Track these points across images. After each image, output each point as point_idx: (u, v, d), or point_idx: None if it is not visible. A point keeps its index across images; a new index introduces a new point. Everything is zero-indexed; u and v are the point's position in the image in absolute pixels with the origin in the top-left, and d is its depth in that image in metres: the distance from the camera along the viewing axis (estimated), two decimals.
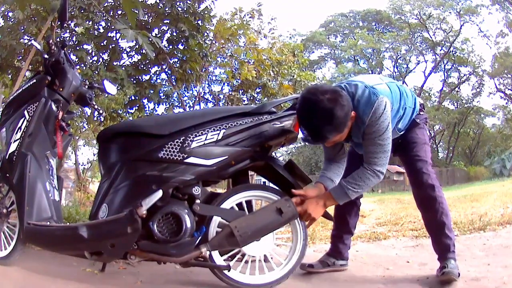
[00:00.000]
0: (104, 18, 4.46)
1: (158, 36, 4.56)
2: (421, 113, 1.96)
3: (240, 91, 7.61)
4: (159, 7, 4.64)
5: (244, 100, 7.55)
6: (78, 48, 4.29)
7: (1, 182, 1.96)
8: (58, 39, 1.97)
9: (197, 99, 7.82)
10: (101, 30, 4.65)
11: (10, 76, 4.53)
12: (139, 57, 4.84)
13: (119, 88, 4.15)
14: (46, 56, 1.92)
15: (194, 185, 1.64)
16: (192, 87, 7.06)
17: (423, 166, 1.88)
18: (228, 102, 7.45)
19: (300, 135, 1.76)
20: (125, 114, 5.17)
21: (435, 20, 25.30)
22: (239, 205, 1.76)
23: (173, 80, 5.49)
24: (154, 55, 3.63)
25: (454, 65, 26.18)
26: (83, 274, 1.90)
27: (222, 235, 1.64)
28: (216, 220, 1.71)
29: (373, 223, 4.41)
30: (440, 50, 26.15)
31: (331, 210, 2.00)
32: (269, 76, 7.23)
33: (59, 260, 2.02)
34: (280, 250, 1.90)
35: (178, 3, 4.62)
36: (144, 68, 4.90)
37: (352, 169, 1.80)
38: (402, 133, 1.92)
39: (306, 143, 1.76)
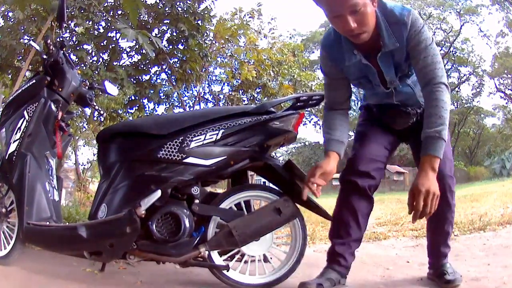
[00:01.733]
0: (104, 18, 4.47)
1: (158, 36, 4.57)
2: None
3: (240, 91, 7.62)
4: (159, 7, 4.65)
5: (244, 100, 7.56)
6: (78, 48, 4.31)
7: (1, 182, 1.96)
8: (58, 39, 1.96)
9: (197, 99, 7.83)
10: (101, 30, 4.66)
11: (10, 76, 4.54)
12: (139, 57, 4.86)
13: (119, 88, 4.15)
14: (45, 56, 1.92)
15: (193, 185, 1.64)
16: (192, 87, 7.07)
17: (450, 167, 1.62)
18: (228, 102, 7.46)
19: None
20: (125, 114, 5.18)
21: (435, 20, 25.30)
22: (238, 205, 1.76)
23: (173, 80, 5.50)
24: (154, 55, 3.63)
25: (454, 65, 26.19)
26: (83, 274, 1.90)
27: (221, 235, 1.64)
28: (215, 220, 1.71)
29: (373, 223, 4.40)
30: (440, 50, 26.03)
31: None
32: (269, 76, 7.24)
33: (59, 260, 2.02)
34: (280, 250, 1.90)
35: (178, 3, 4.62)
36: (144, 68, 4.91)
37: (363, 152, 1.60)
38: (422, 109, 1.61)
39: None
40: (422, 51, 1.43)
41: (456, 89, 26.94)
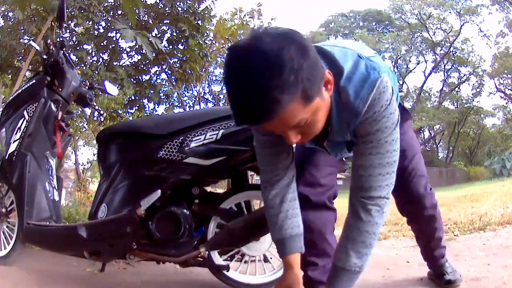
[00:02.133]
0: (104, 18, 4.47)
1: (158, 36, 4.57)
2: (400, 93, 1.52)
3: None
4: (159, 7, 4.66)
5: None
6: (78, 48, 4.31)
7: (1, 182, 1.96)
8: (58, 39, 1.96)
9: (197, 99, 7.84)
10: (101, 30, 4.67)
11: (10, 76, 4.54)
12: (139, 57, 4.86)
13: (119, 88, 4.16)
14: (45, 56, 1.92)
15: (193, 185, 1.64)
16: (192, 87, 7.08)
17: (425, 183, 1.50)
18: (228, 102, 7.46)
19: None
20: (125, 114, 5.17)
21: (435, 20, 25.30)
22: (238, 205, 1.76)
23: (173, 80, 5.50)
24: (153, 55, 3.64)
25: (454, 65, 26.17)
26: (83, 274, 1.90)
27: (221, 235, 1.64)
28: (215, 220, 1.71)
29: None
30: (440, 50, 26.14)
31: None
32: None
33: (59, 260, 2.02)
34: None
35: (178, 3, 4.63)
36: (144, 68, 4.92)
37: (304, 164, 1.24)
38: None
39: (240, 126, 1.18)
40: (372, 148, 0.99)
41: (456, 89, 26.94)
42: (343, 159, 1.26)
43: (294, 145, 1.13)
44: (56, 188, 1.93)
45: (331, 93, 0.93)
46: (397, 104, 1.04)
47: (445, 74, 27.21)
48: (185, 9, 4.65)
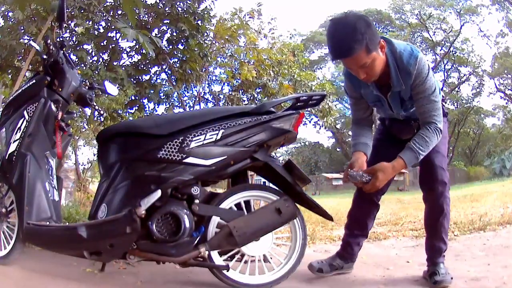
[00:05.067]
0: (104, 18, 4.47)
1: (158, 36, 4.56)
2: (444, 102, 1.96)
3: (240, 91, 7.61)
4: (159, 7, 4.65)
5: (244, 100, 7.55)
6: (78, 48, 4.30)
7: (1, 182, 1.96)
8: (58, 39, 1.96)
9: (197, 99, 7.83)
10: (101, 30, 4.66)
11: (10, 76, 4.53)
12: (139, 57, 4.85)
13: (119, 88, 4.16)
14: (45, 56, 1.92)
15: (193, 185, 1.64)
16: (192, 87, 7.06)
17: (443, 161, 1.87)
18: (228, 102, 7.45)
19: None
20: (125, 114, 5.17)
21: (435, 20, 25.30)
22: (238, 205, 1.76)
23: (173, 80, 5.50)
24: (154, 54, 3.63)
25: (454, 65, 26.16)
26: (83, 274, 1.90)
27: (221, 235, 1.64)
28: (215, 220, 1.71)
29: (373, 223, 4.40)
30: (440, 50, 26.13)
31: (342, 209, 1.99)
32: (269, 76, 7.22)
33: (59, 260, 2.02)
34: (280, 250, 1.90)
35: (178, 3, 4.62)
36: (144, 68, 4.91)
37: (375, 162, 1.73)
38: None
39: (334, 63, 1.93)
40: (423, 99, 1.69)
41: (456, 89, 26.93)
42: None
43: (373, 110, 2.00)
44: (56, 188, 1.93)
45: (384, 54, 1.63)
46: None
47: (445, 74, 27.21)
48: (185, 9, 4.65)
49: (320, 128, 10.20)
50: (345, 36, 1.52)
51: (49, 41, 1.88)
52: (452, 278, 1.77)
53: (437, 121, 1.70)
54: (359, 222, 2.06)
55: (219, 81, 8.42)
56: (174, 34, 4.75)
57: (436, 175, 1.83)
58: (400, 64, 1.65)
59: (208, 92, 8.31)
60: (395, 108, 1.85)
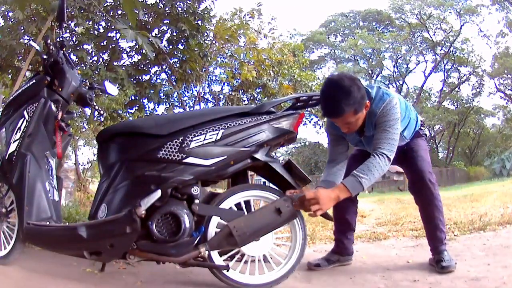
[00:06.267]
0: (104, 18, 4.47)
1: (158, 36, 4.57)
2: (422, 127, 2.17)
3: (240, 91, 7.61)
4: (159, 7, 4.65)
5: (244, 100, 7.55)
6: (78, 48, 4.31)
7: (1, 182, 1.96)
8: (58, 39, 1.96)
9: (197, 99, 7.83)
10: (101, 30, 4.66)
11: (10, 76, 4.53)
12: (139, 57, 4.85)
13: (119, 88, 4.16)
14: (45, 56, 1.92)
15: (193, 185, 1.64)
16: (192, 87, 7.07)
17: (427, 166, 2.03)
18: (228, 102, 7.45)
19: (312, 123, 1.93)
20: (125, 114, 5.17)
21: (435, 20, 25.29)
22: (238, 205, 1.76)
23: (173, 80, 5.50)
24: (154, 55, 3.63)
25: (454, 65, 26.14)
26: (83, 274, 1.90)
27: (221, 235, 1.64)
28: (215, 220, 1.71)
29: (373, 223, 4.40)
30: (440, 50, 26.12)
31: (333, 210, 2.03)
32: (269, 76, 7.23)
33: (59, 260, 2.02)
34: (280, 250, 1.90)
35: (178, 3, 4.63)
36: (144, 68, 4.91)
37: (352, 170, 1.80)
38: (407, 141, 2.10)
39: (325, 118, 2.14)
40: (380, 131, 1.83)
41: (456, 89, 26.92)
42: None
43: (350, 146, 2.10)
44: (56, 188, 1.93)
45: (367, 110, 1.83)
46: (413, 127, 2.08)
47: (445, 74, 27.21)
48: (185, 9, 4.65)
49: (320, 128, 10.21)
50: (339, 99, 1.69)
51: (49, 41, 1.88)
52: (456, 263, 1.97)
53: (385, 148, 1.77)
54: (342, 219, 2.22)
55: (219, 81, 8.43)
56: (174, 34, 4.76)
57: (423, 178, 1.99)
58: (371, 109, 1.83)
59: (208, 92, 8.32)
60: (369, 148, 1.98)
